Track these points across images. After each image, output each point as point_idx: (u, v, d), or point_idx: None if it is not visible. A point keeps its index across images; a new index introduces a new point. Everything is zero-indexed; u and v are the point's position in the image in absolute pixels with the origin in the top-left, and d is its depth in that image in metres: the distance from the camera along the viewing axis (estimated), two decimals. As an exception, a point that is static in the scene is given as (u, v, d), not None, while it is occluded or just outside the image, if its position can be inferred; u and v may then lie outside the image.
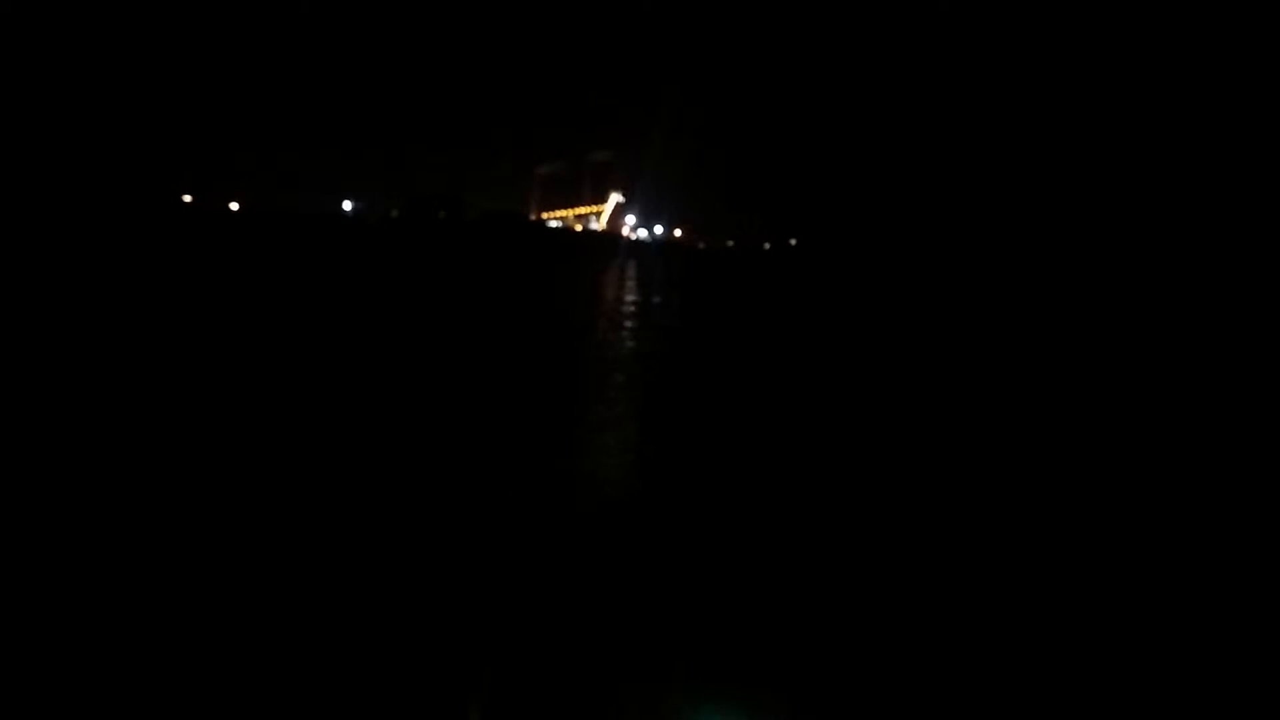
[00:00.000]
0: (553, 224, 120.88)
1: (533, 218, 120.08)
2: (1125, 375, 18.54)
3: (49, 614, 4.59)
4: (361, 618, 4.76)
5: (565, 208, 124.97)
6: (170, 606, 4.77)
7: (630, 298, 34.21)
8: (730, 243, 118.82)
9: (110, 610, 4.68)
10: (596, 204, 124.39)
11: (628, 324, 23.69)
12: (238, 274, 29.79)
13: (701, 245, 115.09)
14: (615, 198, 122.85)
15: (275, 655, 4.34)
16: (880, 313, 33.84)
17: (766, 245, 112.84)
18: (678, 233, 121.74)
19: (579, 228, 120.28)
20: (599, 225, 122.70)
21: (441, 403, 11.17)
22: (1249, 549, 6.90)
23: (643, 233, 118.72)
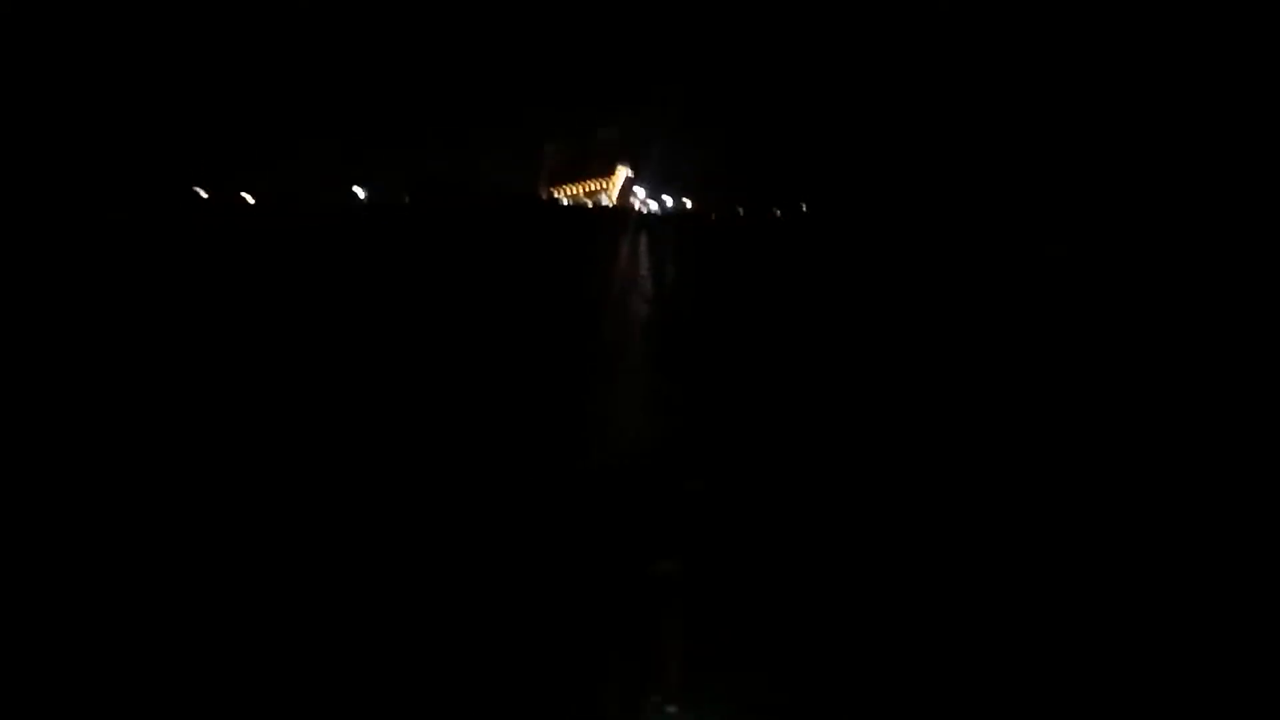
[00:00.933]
0: (564, 201, 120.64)
1: (543, 196, 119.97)
2: (1125, 375, 18.68)
3: (51, 613, 4.58)
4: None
5: (574, 184, 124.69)
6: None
7: (643, 270, 34.71)
8: (741, 210, 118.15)
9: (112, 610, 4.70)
10: (605, 179, 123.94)
11: (640, 295, 24.30)
12: (266, 264, 30.44)
13: (713, 215, 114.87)
14: (624, 171, 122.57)
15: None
16: (888, 283, 33.97)
17: (778, 212, 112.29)
18: (688, 203, 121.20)
19: (590, 204, 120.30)
20: (609, 200, 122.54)
21: (464, 373, 11.61)
22: (1248, 549, 6.79)
23: (653, 205, 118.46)
